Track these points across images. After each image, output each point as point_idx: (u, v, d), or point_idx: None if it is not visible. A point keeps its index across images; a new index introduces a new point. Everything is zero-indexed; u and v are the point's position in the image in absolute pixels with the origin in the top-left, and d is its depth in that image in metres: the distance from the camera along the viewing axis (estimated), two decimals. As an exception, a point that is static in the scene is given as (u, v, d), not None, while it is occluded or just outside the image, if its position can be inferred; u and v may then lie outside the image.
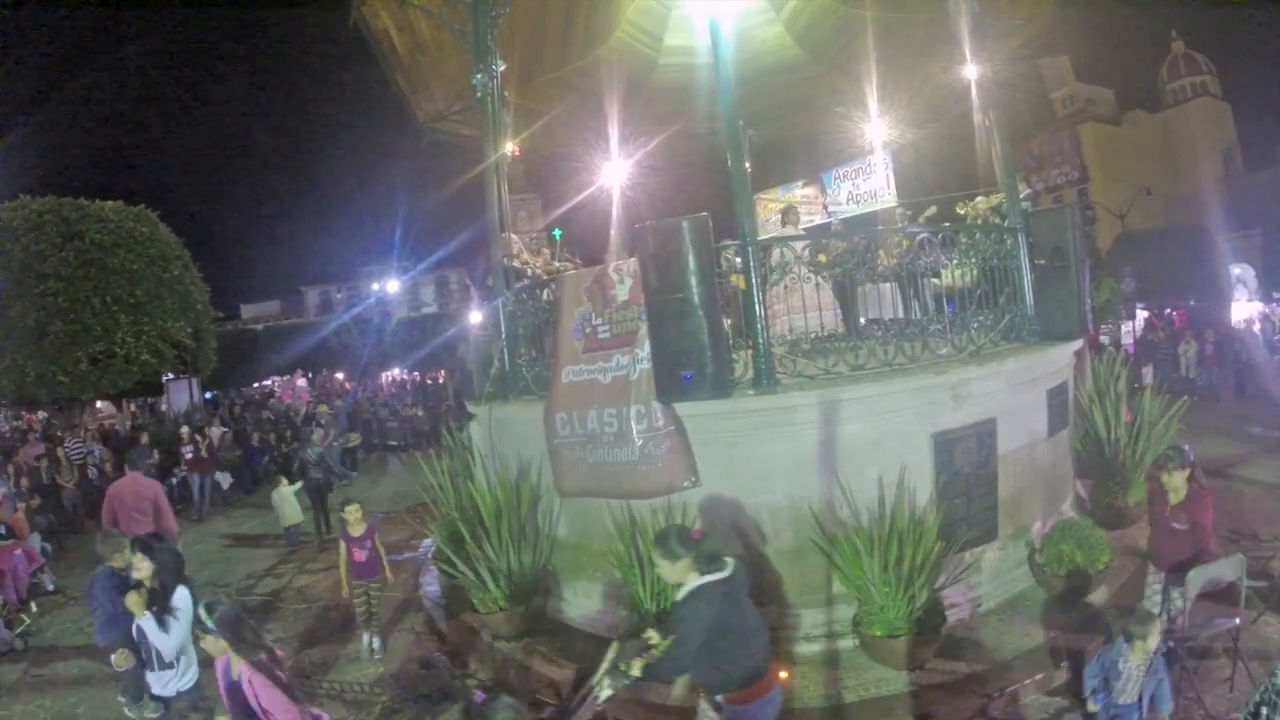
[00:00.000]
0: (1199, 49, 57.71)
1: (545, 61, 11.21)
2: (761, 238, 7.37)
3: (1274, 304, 25.74)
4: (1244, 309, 24.90)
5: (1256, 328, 21.42)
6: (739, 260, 6.68)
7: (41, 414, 25.47)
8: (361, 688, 6.66)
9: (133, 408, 26.62)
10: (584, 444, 6.70)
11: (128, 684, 5.85)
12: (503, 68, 8.85)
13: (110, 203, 19.11)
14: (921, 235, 7.50)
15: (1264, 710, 3.91)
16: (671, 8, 11.12)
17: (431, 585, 8.82)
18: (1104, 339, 19.46)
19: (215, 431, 17.83)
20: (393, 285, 54.20)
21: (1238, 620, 5.19)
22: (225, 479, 16.47)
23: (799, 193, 12.88)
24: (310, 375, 36.80)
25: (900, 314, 8.47)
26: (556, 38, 10.89)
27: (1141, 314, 24.00)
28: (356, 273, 63.88)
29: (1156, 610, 5.23)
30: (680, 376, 6.07)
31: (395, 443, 22.14)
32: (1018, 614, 6.47)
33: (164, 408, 22.57)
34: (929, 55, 10.66)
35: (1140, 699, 4.34)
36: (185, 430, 15.85)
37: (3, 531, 10.02)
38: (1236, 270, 28.74)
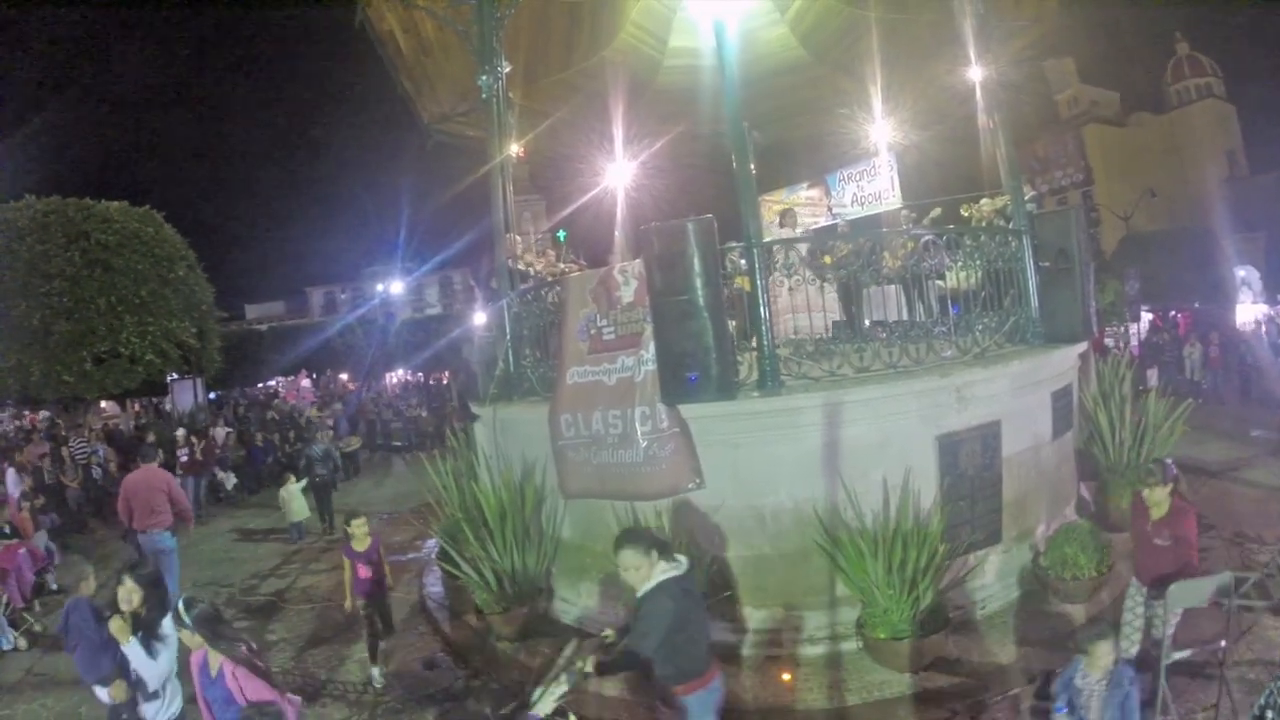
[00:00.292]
0: (1204, 51, 57.58)
1: (550, 63, 11.23)
2: (765, 240, 7.37)
3: (1278, 306, 25.67)
4: (1249, 311, 24.84)
5: (1262, 330, 21.36)
6: (743, 262, 6.68)
7: (44, 413, 25.55)
8: (364, 688, 6.66)
9: (137, 408, 26.69)
10: (589, 445, 6.70)
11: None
12: (508, 69, 8.87)
13: (115, 203, 19.16)
14: (926, 237, 7.50)
15: (1269, 714, 3.89)
16: (676, 9, 11.13)
17: (435, 586, 8.82)
18: (1108, 341, 19.41)
19: (220, 432, 17.87)
20: (397, 286, 54.18)
21: (1223, 642, 4.91)
22: (229, 479, 16.49)
23: (803, 194, 12.88)
24: (314, 376, 36.86)
25: (905, 316, 8.47)
26: (561, 39, 10.91)
27: (1146, 316, 23.95)
28: (361, 273, 63.99)
29: (1138, 627, 5.11)
30: (685, 378, 6.08)
31: (399, 443, 22.16)
32: (1021, 617, 6.46)
33: (168, 408, 22.62)
34: (933, 57, 10.65)
35: (1105, 717, 4.14)
36: (181, 432, 15.70)
37: (7, 531, 10.03)
38: (1241, 272, 28.65)
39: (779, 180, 13.36)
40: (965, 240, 7.70)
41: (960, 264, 7.78)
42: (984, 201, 8.86)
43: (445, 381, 28.46)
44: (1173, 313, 26.33)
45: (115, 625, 4.62)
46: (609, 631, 4.40)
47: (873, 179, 11.88)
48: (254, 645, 4.26)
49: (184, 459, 15.03)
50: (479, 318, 12.77)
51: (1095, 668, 4.15)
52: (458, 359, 26.06)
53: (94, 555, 12.01)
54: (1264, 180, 46.93)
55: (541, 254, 9.37)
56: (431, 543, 9.58)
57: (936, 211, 9.64)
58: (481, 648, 7.06)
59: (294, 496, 12.25)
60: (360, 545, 6.80)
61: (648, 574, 4.13)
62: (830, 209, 12.62)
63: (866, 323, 8.87)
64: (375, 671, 6.75)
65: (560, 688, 4.20)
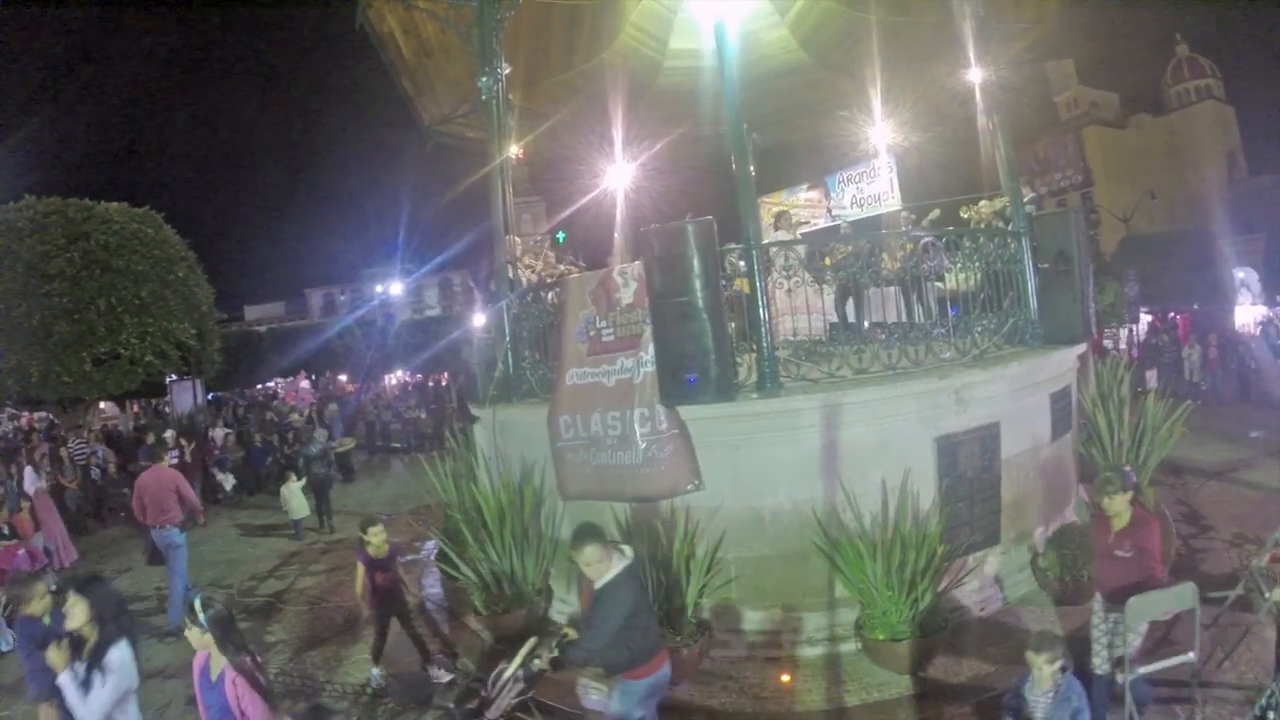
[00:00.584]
0: (1203, 53, 57.74)
1: (550, 65, 11.24)
2: (765, 242, 7.38)
3: (1278, 307, 25.66)
4: (1248, 313, 24.81)
5: (1260, 331, 21.36)
6: (743, 264, 6.68)
7: (40, 414, 25.54)
8: (363, 689, 6.66)
9: (136, 409, 26.67)
10: (588, 447, 6.71)
11: None
12: (508, 71, 8.88)
13: (115, 204, 19.12)
14: (925, 239, 7.51)
15: (1270, 715, 3.90)
16: (676, 11, 11.14)
17: (434, 587, 8.83)
18: (1107, 343, 19.43)
19: (219, 433, 17.86)
20: (396, 287, 54.27)
21: (1191, 655, 4.76)
22: (228, 480, 16.47)
23: (803, 196, 12.89)
24: (314, 377, 36.86)
25: (904, 317, 8.47)
26: (561, 41, 10.92)
27: (1145, 318, 23.96)
28: (360, 275, 64.05)
29: (1105, 643, 4.93)
30: (684, 380, 6.08)
31: (398, 445, 22.15)
32: (1020, 618, 6.46)
33: (167, 410, 22.60)
34: (933, 59, 10.66)
35: None
36: (170, 434, 15.36)
37: (6, 531, 10.03)
38: (1240, 274, 28.65)
39: (779, 182, 13.38)
40: (964, 242, 7.71)
41: (959, 266, 7.80)
42: (983, 203, 8.87)
43: (444, 383, 28.45)
44: (1172, 314, 26.32)
45: (52, 653, 4.15)
46: (568, 629, 4.54)
47: (872, 181, 11.89)
48: (259, 658, 4.14)
49: (173, 461, 14.14)
50: (478, 319, 12.78)
51: (1039, 680, 4.06)
52: (457, 360, 26.07)
53: (105, 553, 12.03)
54: (1263, 182, 47.02)
55: (539, 255, 9.37)
56: (430, 544, 9.58)
57: (936, 213, 9.65)
58: (481, 649, 7.06)
59: (294, 495, 12.56)
60: (377, 552, 6.62)
61: (608, 566, 4.31)
62: (830, 211, 12.63)
63: (866, 324, 8.88)
64: (375, 672, 6.66)
65: (518, 684, 4.38)
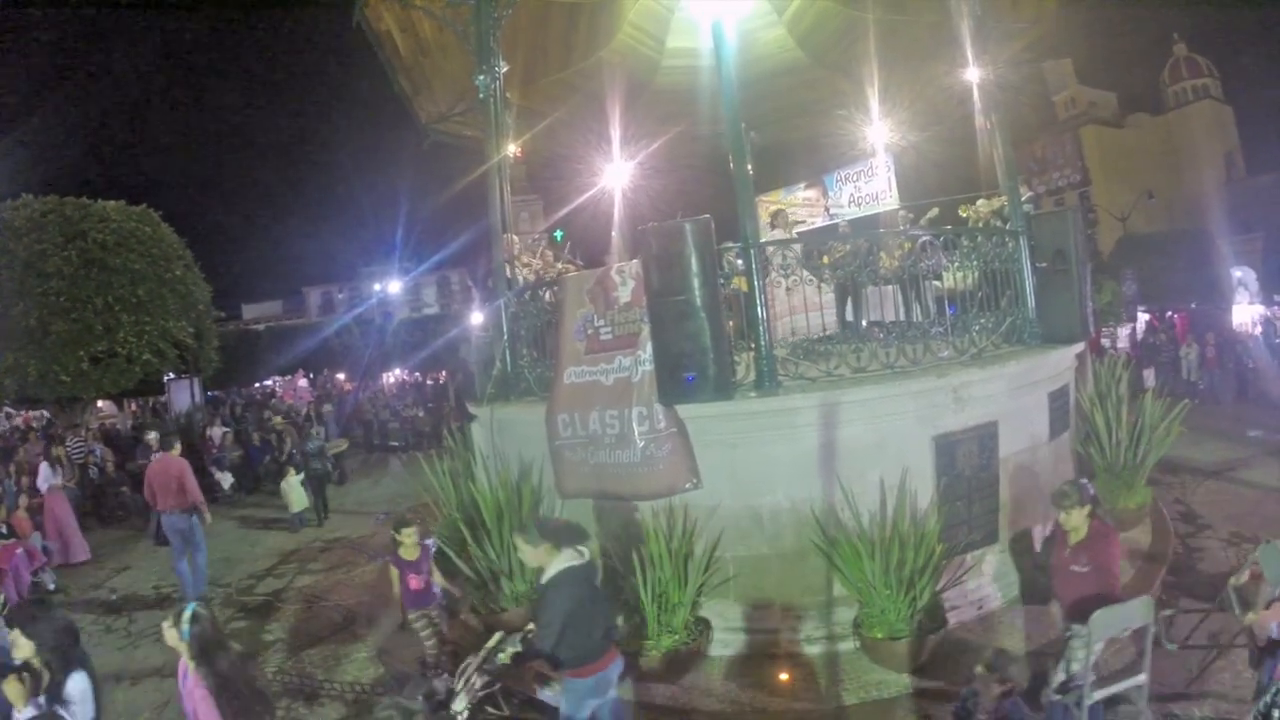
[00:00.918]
0: (1201, 52, 57.76)
1: (548, 63, 11.23)
2: (763, 240, 7.38)
3: (1275, 307, 25.68)
4: (1245, 312, 24.85)
5: (1258, 331, 21.40)
6: (741, 263, 6.68)
7: (35, 412, 25.50)
8: (362, 688, 6.66)
9: (134, 407, 26.63)
10: (586, 445, 6.71)
11: None
12: (505, 69, 8.87)
13: (113, 202, 19.10)
14: (923, 238, 7.51)
15: (1275, 713, 3.90)
16: (674, 10, 11.13)
17: (434, 587, 8.79)
18: (1105, 341, 19.45)
19: (216, 431, 17.83)
20: (394, 286, 54.27)
21: (1142, 679, 4.66)
22: (226, 479, 16.45)
23: (801, 195, 12.89)
24: (311, 375, 36.82)
25: (902, 316, 8.48)
26: (559, 39, 10.90)
27: (1143, 317, 23.99)
28: (358, 273, 63.94)
29: (1062, 659, 4.76)
30: (682, 378, 6.09)
31: (396, 443, 22.14)
32: (1019, 617, 6.47)
33: (164, 409, 22.58)
34: (931, 58, 10.65)
35: None
36: (153, 436, 14.85)
37: (4, 530, 10.03)
38: (1238, 273, 28.70)
39: (776, 181, 13.38)
40: (962, 241, 7.71)
41: (957, 264, 7.80)
42: (981, 202, 8.88)
43: (442, 381, 28.44)
44: (1169, 313, 26.35)
45: (10, 688, 3.90)
46: (533, 625, 4.61)
47: (870, 180, 11.88)
48: (252, 673, 4.07)
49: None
50: (476, 318, 12.76)
51: (985, 697, 3.98)
52: (455, 359, 26.03)
53: (104, 553, 12.02)
54: (1261, 181, 47.07)
55: (536, 254, 9.36)
56: (429, 542, 9.56)
57: (934, 212, 9.65)
58: (479, 648, 7.04)
59: (293, 488, 12.99)
60: (410, 554, 6.48)
61: (542, 561, 4.39)
62: (828, 209, 12.63)
63: (864, 323, 8.88)
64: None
65: (482, 678, 4.47)
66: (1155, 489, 8.78)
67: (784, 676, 5.88)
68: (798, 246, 7.24)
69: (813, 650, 6.18)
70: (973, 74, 8.56)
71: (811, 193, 12.94)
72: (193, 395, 21.79)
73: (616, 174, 12.76)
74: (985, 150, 8.71)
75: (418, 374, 34.62)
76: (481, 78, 8.65)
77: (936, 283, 8.40)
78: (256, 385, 36.02)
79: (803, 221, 12.35)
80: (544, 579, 4.37)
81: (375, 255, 62.09)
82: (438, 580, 6.65)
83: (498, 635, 4.75)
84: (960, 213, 9.04)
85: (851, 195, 12.18)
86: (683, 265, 6.04)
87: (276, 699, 6.66)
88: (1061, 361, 7.86)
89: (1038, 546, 6.84)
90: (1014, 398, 7.01)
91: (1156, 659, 5.01)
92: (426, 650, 6.48)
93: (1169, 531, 8.08)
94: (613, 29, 11.17)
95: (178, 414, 20.49)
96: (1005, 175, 8.30)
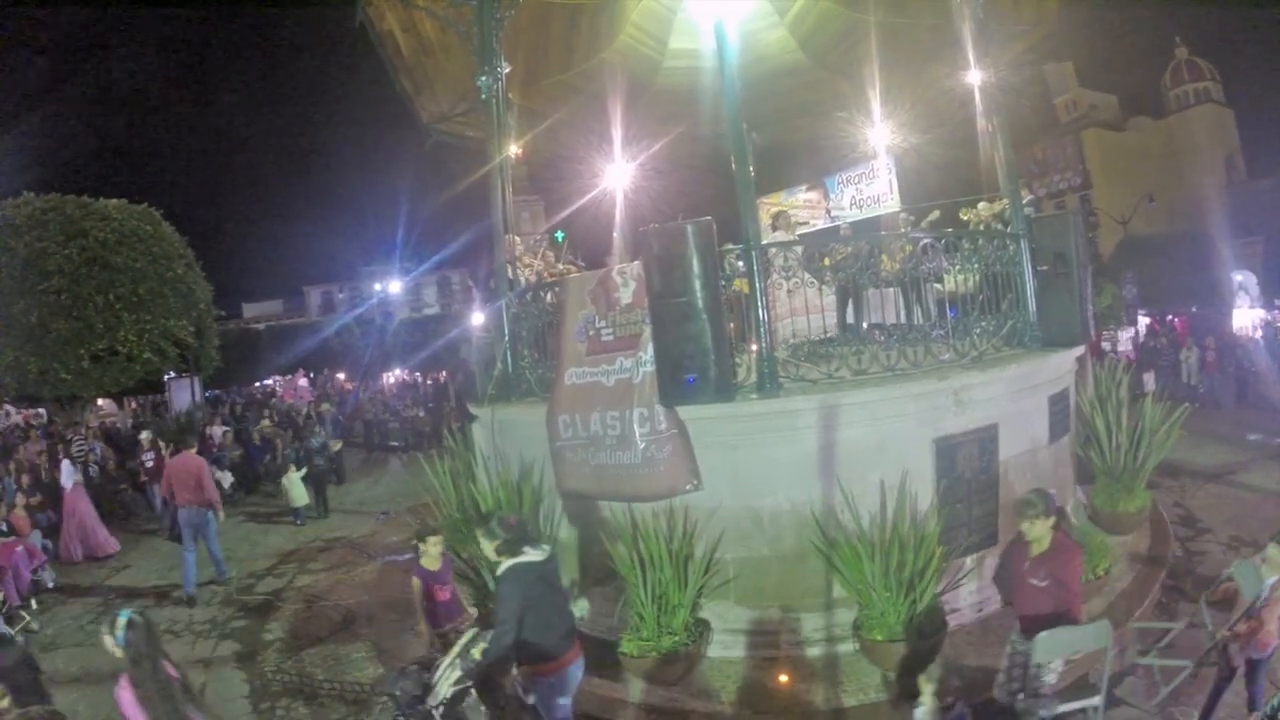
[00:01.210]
0: (1202, 55, 57.71)
1: (550, 64, 11.23)
2: (764, 242, 7.38)
3: (1276, 311, 25.71)
4: (1246, 316, 24.87)
5: (1258, 334, 21.41)
6: (742, 264, 6.68)
7: (35, 410, 25.50)
8: (361, 688, 6.66)
9: (134, 406, 26.64)
10: (586, 446, 6.71)
11: None
12: (507, 70, 8.87)
13: (114, 201, 19.12)
14: (924, 240, 7.52)
15: None
16: (676, 11, 11.13)
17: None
18: (1105, 345, 19.46)
19: (217, 430, 17.83)
20: (395, 286, 54.28)
21: (1096, 700, 4.57)
22: (226, 478, 16.44)
23: (802, 197, 12.88)
24: (312, 375, 36.85)
25: (903, 319, 8.48)
26: (561, 40, 10.91)
27: (1143, 320, 24.00)
28: (359, 273, 63.91)
29: (1016, 676, 4.73)
30: (683, 380, 6.09)
31: (396, 443, 22.15)
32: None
33: (161, 408, 22.60)
34: (933, 60, 10.66)
35: None
36: (146, 436, 14.96)
37: (4, 529, 10.04)
38: (1239, 277, 28.71)
39: (778, 182, 13.36)
40: (963, 244, 7.72)
41: (958, 267, 7.80)
42: (982, 205, 8.89)
43: (443, 381, 28.44)
44: (1170, 317, 26.38)
45: None
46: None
47: (871, 182, 11.88)
48: (171, 673, 4.01)
49: (148, 465, 13.97)
50: (477, 318, 12.79)
51: (924, 704, 3.86)
52: (456, 359, 26.05)
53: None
54: (1262, 185, 46.99)
55: (538, 255, 9.36)
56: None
57: (935, 215, 9.65)
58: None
59: (294, 484, 13.28)
60: (433, 564, 6.26)
61: (500, 558, 4.51)
62: (829, 212, 12.62)
63: (865, 325, 8.88)
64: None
65: (454, 672, 4.57)
66: (1155, 492, 8.78)
67: (783, 678, 5.88)
68: (799, 248, 7.24)
69: (812, 652, 6.19)
70: (974, 76, 8.57)
71: (813, 195, 12.93)
72: (193, 394, 21.79)
73: (618, 175, 12.76)
74: (986, 153, 8.72)
75: (418, 374, 34.64)
76: (483, 78, 8.65)
77: (937, 285, 8.41)
78: (257, 384, 36.06)
79: (805, 223, 12.36)
80: (498, 573, 4.51)
81: (376, 255, 62.05)
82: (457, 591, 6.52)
83: (471, 632, 4.86)
84: (961, 215, 9.05)
85: (853, 197, 12.17)
86: (684, 267, 6.04)
87: (276, 698, 6.68)
88: (1062, 365, 7.86)
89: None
90: (1014, 401, 7.01)
91: (1129, 676, 5.01)
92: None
93: (1168, 535, 8.09)
94: (615, 30, 11.17)
95: (178, 413, 20.48)
96: (1006, 178, 8.31)
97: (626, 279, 6.62)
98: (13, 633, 8.51)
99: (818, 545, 6.07)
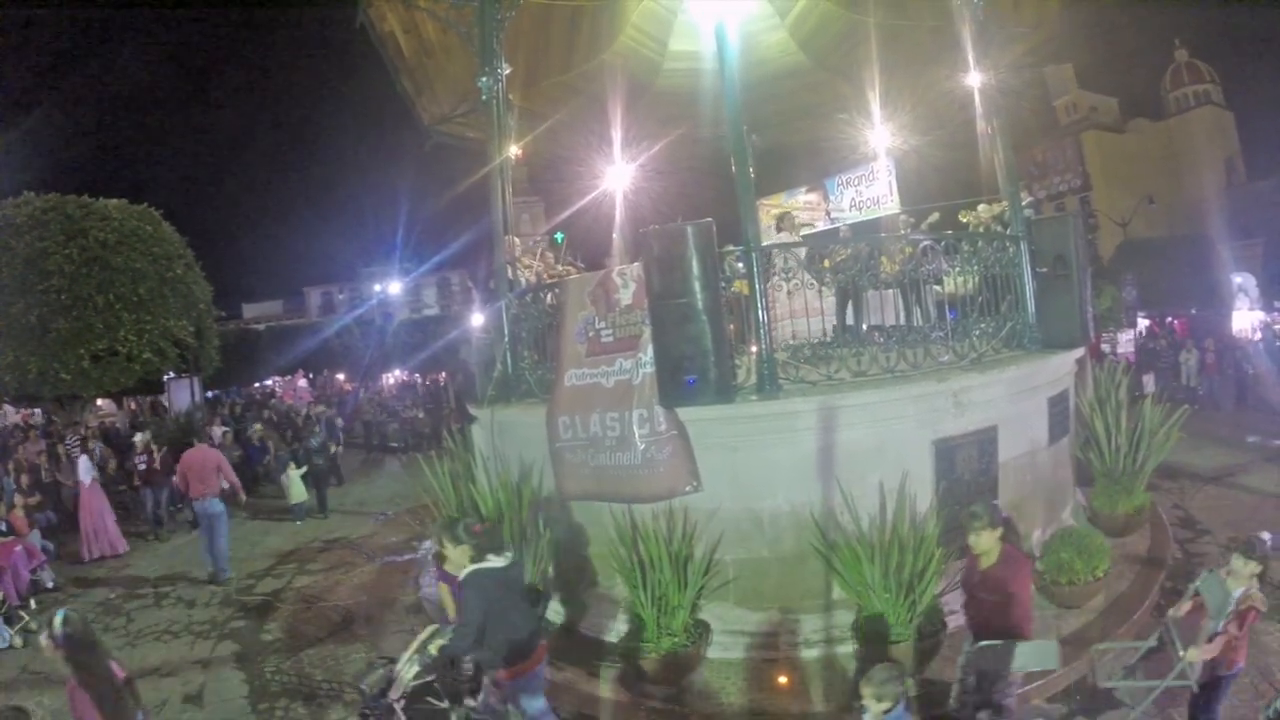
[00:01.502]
0: (1202, 58, 57.86)
1: (550, 65, 11.23)
2: (764, 244, 7.39)
3: (1275, 313, 25.71)
4: (1245, 318, 24.88)
5: (1257, 336, 21.42)
6: (742, 266, 6.69)
7: (31, 410, 25.49)
8: (356, 688, 6.65)
9: (133, 406, 26.63)
10: (586, 447, 6.71)
11: None
12: (508, 71, 8.87)
13: (114, 201, 19.09)
14: (924, 242, 7.52)
15: None
16: (676, 13, 11.14)
17: (431, 587, 8.78)
18: (1105, 347, 19.47)
19: (216, 431, 17.82)
20: (395, 286, 54.29)
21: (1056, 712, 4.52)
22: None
23: (802, 199, 12.88)
24: (311, 376, 36.84)
25: (902, 321, 8.48)
26: (562, 42, 10.91)
27: (1143, 322, 24.00)
28: (359, 274, 64.00)
29: (969, 686, 4.68)
30: (683, 381, 6.08)
31: (395, 444, 22.15)
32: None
33: (167, 411, 22.57)
34: (933, 62, 10.67)
35: None
36: (140, 438, 14.54)
37: (3, 529, 10.03)
38: (1238, 279, 28.68)
39: (778, 184, 13.37)
40: (963, 245, 7.72)
41: (958, 269, 7.81)
42: (982, 207, 8.90)
43: (442, 382, 28.44)
44: (1169, 319, 26.39)
45: None
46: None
47: (871, 184, 11.88)
48: (118, 674, 4.10)
49: (141, 467, 13.62)
50: (477, 319, 12.78)
51: (869, 711, 3.75)
52: (455, 360, 26.04)
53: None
54: (1262, 187, 47.07)
55: (537, 255, 9.36)
56: (428, 544, 9.57)
57: (935, 217, 9.66)
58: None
59: (294, 481, 13.55)
60: (458, 570, 6.16)
61: (461, 560, 4.66)
62: (829, 213, 12.63)
63: (864, 327, 8.88)
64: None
65: (414, 667, 4.67)
66: (1154, 494, 8.78)
67: (783, 679, 5.88)
68: (800, 250, 7.25)
69: (811, 653, 6.18)
70: (974, 78, 8.58)
71: (812, 196, 12.93)
72: (193, 394, 21.78)
73: (618, 176, 12.76)
74: (986, 155, 8.73)
75: (418, 375, 34.64)
76: (484, 79, 8.66)
77: (937, 287, 8.41)
78: (256, 385, 36.05)
79: (806, 225, 12.36)
80: (460, 578, 4.64)
81: (376, 256, 62.21)
82: None
83: (429, 629, 4.97)
84: (961, 217, 9.06)
85: (852, 199, 12.17)
86: (684, 268, 6.04)
87: (275, 699, 6.68)
88: (1061, 366, 7.87)
89: (1037, 551, 6.87)
90: (1014, 403, 7.01)
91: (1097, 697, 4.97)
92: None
93: (1167, 537, 8.09)
94: (615, 31, 11.18)
95: (177, 413, 20.46)
96: (1006, 180, 8.32)
97: (626, 280, 6.62)
98: (11, 633, 8.54)
99: (817, 547, 6.07)
